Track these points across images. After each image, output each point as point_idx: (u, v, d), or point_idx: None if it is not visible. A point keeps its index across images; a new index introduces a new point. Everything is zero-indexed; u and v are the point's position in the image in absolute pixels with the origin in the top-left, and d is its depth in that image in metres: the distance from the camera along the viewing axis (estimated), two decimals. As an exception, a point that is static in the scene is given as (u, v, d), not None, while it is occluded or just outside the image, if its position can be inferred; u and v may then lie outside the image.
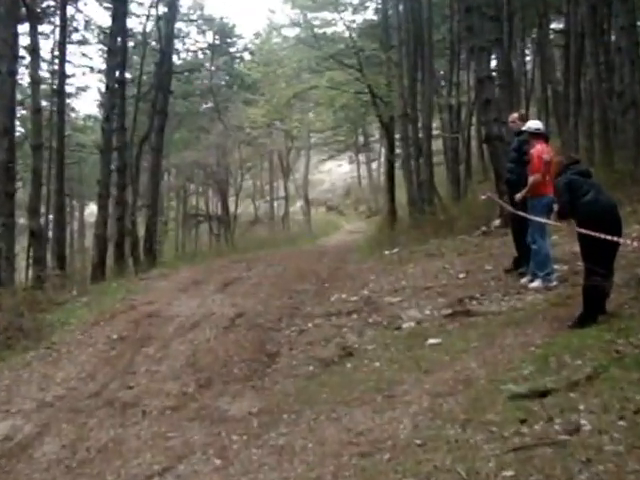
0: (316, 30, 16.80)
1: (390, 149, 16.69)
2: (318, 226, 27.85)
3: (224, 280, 8.70)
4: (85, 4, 41.49)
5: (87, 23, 19.07)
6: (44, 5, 16.67)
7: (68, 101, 20.26)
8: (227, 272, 9.58)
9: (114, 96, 13.73)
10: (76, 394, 4.81)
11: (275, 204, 30.78)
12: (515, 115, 6.30)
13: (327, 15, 17.13)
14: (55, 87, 14.77)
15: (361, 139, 37.86)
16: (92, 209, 27.02)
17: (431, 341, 4.53)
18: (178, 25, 21.39)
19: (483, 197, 7.79)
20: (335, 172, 41.79)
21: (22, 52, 14.11)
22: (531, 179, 5.44)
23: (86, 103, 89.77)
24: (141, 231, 15.79)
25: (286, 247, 17.17)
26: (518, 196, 5.60)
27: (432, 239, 9.44)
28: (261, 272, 9.31)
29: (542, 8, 14.86)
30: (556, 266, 5.69)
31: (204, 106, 26.76)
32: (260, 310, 6.46)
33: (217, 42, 24.70)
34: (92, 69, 21.69)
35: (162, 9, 17.62)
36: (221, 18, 24.62)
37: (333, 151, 39.61)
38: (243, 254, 14.34)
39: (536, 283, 5.48)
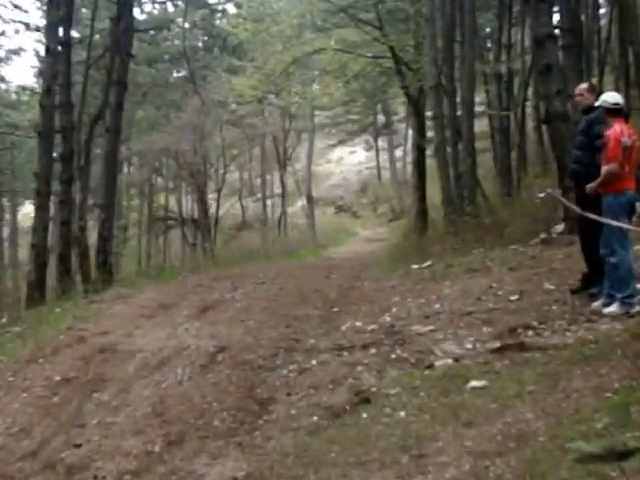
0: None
1: (419, 131, 16.79)
2: (325, 232, 27.93)
3: (202, 303, 8.75)
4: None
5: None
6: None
7: (-5, 68, 20.47)
8: (206, 293, 9.60)
9: (57, 62, 13.79)
10: (5, 454, 4.80)
11: (269, 204, 30.91)
12: (584, 86, 6.29)
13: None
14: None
15: (381, 118, 38.08)
16: (28, 210, 27.17)
17: (473, 384, 4.52)
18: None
19: (542, 195, 7.82)
20: (347, 162, 41.90)
21: None
22: (605, 169, 5.41)
23: (20, 71, 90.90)
24: (92, 239, 15.85)
25: (283, 260, 17.23)
26: (590, 186, 5.53)
27: (475, 249, 9.47)
28: (250, 293, 9.33)
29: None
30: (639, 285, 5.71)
31: (175, 75, 27.01)
32: (249, 343, 6.46)
33: (192, -10, 24.96)
34: (27, 26, 21.96)
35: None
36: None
37: (344, 135, 39.85)
38: (227, 269, 14.36)
39: (613, 308, 5.47)
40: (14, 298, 13.47)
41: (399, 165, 35.68)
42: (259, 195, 31.39)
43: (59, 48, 13.89)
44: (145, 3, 24.85)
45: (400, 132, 36.13)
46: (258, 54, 18.40)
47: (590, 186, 5.56)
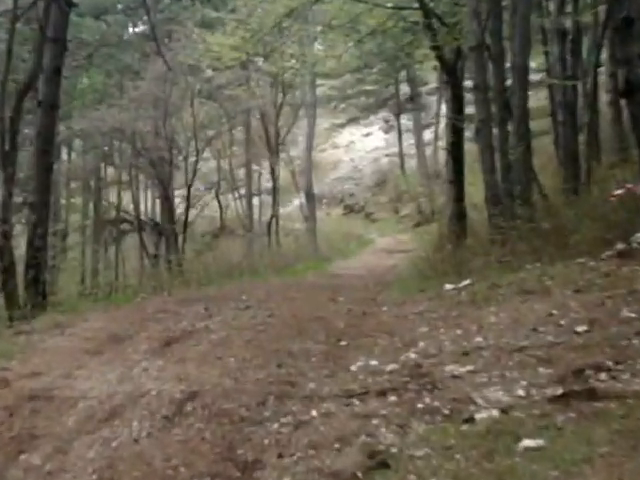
0: None
1: (456, 107, 16.84)
2: (330, 241, 27.97)
3: (166, 335, 8.83)
4: None
5: None
6: None
7: None
8: (171, 320, 9.66)
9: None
10: None
11: (256, 203, 30.93)
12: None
13: None
14: None
15: (405, 90, 38.05)
16: None
17: (527, 443, 4.47)
18: None
19: (619, 192, 7.82)
20: (360, 147, 41.79)
21: None
22: None
23: None
24: (21, 250, 15.84)
25: (274, 277, 17.22)
26: None
27: (529, 264, 9.48)
28: (230, 320, 9.37)
29: None
30: None
31: (132, 31, 27.08)
32: (228, 387, 6.45)
33: None
34: None
35: None
36: None
37: (356, 111, 39.77)
38: (199, 289, 14.41)
39: None
40: None
41: (428, 152, 35.68)
42: (243, 191, 31.42)
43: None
44: None
45: (430, 108, 36.19)
46: (241, 3, 18.46)
47: None
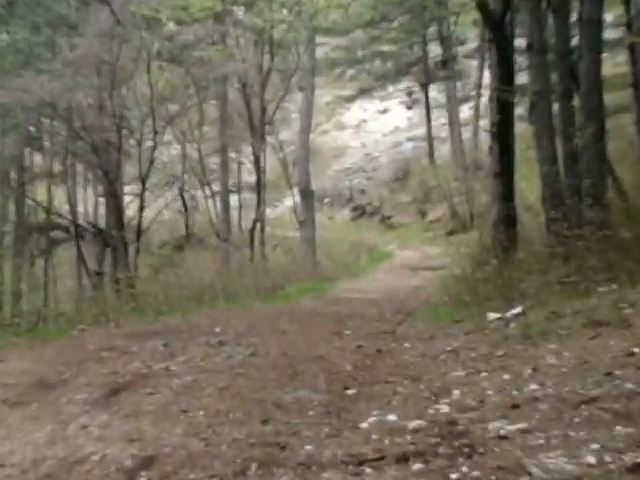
0: None
1: (503, 74, 16.84)
2: (334, 254, 28.09)
3: (112, 380, 8.76)
4: None
5: None
6: None
7: None
8: (119, 361, 9.70)
9: None
10: None
11: (234, 203, 30.88)
12: None
13: None
14: None
15: (436, 51, 38.04)
16: None
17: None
18: None
19: None
20: (374, 128, 41.70)
21: None
22: None
23: None
24: None
25: (259, 302, 17.22)
26: None
27: (602, 285, 9.46)
28: (199, 361, 9.48)
29: None
30: None
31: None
32: (195, 451, 6.44)
33: None
34: None
35: None
36: None
37: (370, 80, 39.70)
38: (158, 318, 14.39)
39: None
40: None
41: (466, 135, 35.65)
42: (217, 187, 31.39)
43: None
44: None
45: (469, 76, 36.23)
46: None
47: None
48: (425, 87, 37.37)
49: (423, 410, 6.68)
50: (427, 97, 37.51)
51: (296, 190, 30.87)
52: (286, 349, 9.73)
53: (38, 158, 29.42)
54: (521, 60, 17.12)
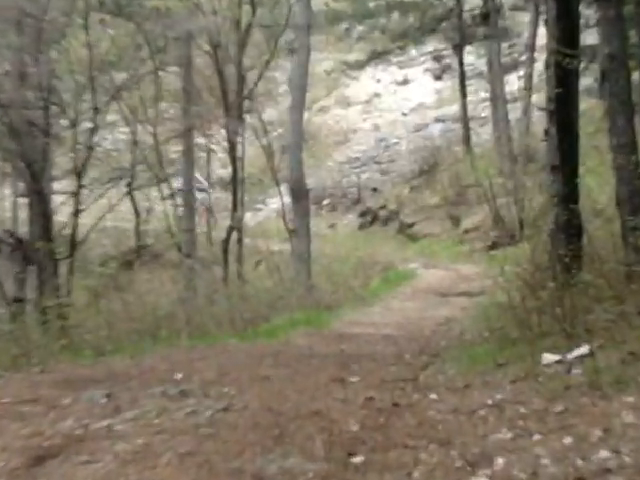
0: None
1: (565, 34, 16.91)
2: (335, 274, 28.13)
3: (36, 444, 8.37)
4: None
5: None
6: None
7: None
8: (46, 418, 9.43)
9: None
10: None
11: (199, 205, 31.04)
12: None
13: None
14: None
15: (472, 1, 38.30)
16: None
17: None
18: None
19: None
20: (391, 105, 41.86)
21: None
22: None
23: None
24: None
25: (235, 338, 17.31)
26: None
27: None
28: (152, 417, 9.10)
29: None
30: None
31: None
32: None
33: None
34: None
35: None
36: None
37: (385, 40, 39.92)
38: (98, 359, 14.44)
39: None
40: None
41: (514, 114, 35.85)
42: (178, 184, 31.58)
43: None
44: None
45: (518, 35, 36.45)
46: None
47: None
48: (459, 50, 37.63)
49: (454, 485, 6.41)
50: (461, 63, 37.75)
51: (285, 188, 31.01)
52: (271, 402, 9.41)
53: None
54: (589, 13, 17.22)
